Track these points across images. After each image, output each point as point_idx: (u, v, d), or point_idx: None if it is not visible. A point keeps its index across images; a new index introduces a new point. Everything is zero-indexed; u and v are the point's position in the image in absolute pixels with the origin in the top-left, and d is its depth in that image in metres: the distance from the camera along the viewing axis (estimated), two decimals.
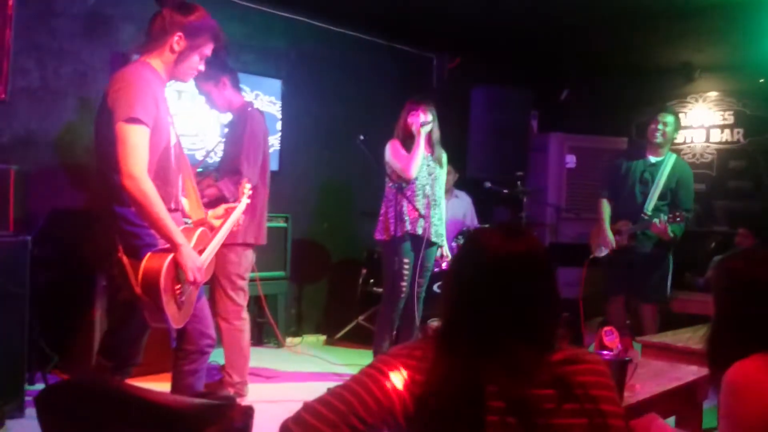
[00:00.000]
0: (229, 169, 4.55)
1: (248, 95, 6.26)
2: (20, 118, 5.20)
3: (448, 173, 7.16)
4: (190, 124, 5.95)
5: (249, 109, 4.72)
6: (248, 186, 3.99)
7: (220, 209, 3.73)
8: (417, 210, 5.18)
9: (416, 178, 5.23)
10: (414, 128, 5.21)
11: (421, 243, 5.24)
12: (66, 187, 5.35)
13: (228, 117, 4.86)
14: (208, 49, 3.30)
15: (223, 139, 4.88)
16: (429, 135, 5.30)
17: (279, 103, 6.64)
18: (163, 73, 3.22)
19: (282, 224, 6.35)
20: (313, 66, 7.16)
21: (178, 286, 3.07)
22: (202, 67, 3.34)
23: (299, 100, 6.93)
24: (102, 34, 5.56)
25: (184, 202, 3.42)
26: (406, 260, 5.23)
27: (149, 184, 2.97)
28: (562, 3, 6.31)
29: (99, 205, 3.19)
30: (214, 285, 4.64)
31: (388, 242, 5.27)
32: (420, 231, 5.20)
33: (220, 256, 4.58)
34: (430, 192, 5.28)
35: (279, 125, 6.65)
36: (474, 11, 6.66)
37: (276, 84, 6.64)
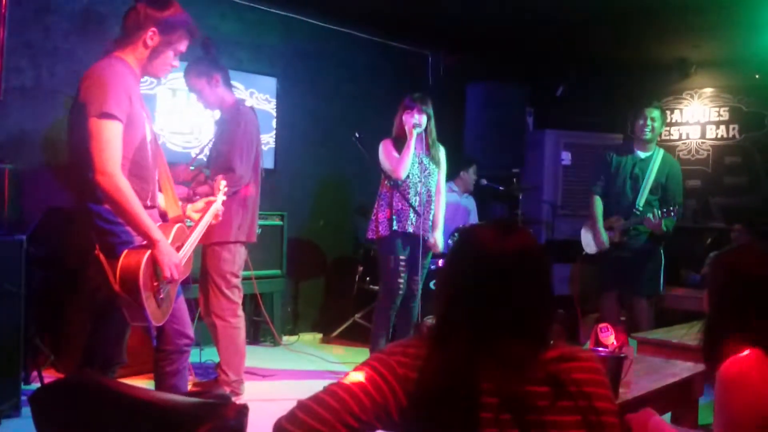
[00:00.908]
0: (222, 166, 4.55)
1: (243, 93, 6.26)
2: (14, 117, 5.19)
3: (474, 173, 7.22)
4: (184, 123, 5.95)
5: (241, 106, 4.72)
6: (224, 183, 3.97)
7: (200, 203, 3.70)
8: (411, 207, 5.19)
9: (409, 177, 5.24)
10: (406, 129, 5.21)
11: (416, 240, 5.25)
12: (60, 186, 5.34)
13: (218, 114, 4.85)
14: (182, 45, 3.25)
15: (213, 137, 4.87)
16: (425, 134, 5.31)
17: (274, 101, 6.63)
18: (137, 68, 3.18)
19: (278, 222, 6.34)
20: (309, 63, 7.15)
21: (157, 283, 3.04)
22: (176, 63, 3.28)
23: (294, 98, 6.93)
24: (96, 32, 5.54)
25: (160, 199, 3.37)
26: (402, 257, 5.24)
27: (123, 180, 2.94)
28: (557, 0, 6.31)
29: (74, 203, 3.15)
30: (209, 283, 4.63)
31: (382, 240, 5.29)
32: (411, 229, 5.21)
33: (213, 255, 4.59)
34: (423, 190, 5.29)
35: (274, 123, 6.65)
36: (469, 8, 6.65)
37: (271, 82, 6.63)
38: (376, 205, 5.38)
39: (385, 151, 5.32)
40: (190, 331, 3.38)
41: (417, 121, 5.21)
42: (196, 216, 3.59)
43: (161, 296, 3.08)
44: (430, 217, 5.35)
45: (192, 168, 4.76)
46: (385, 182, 5.33)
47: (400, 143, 5.27)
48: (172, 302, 3.21)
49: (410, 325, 5.41)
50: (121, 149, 2.97)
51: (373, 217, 5.37)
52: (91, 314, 3.33)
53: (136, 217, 2.96)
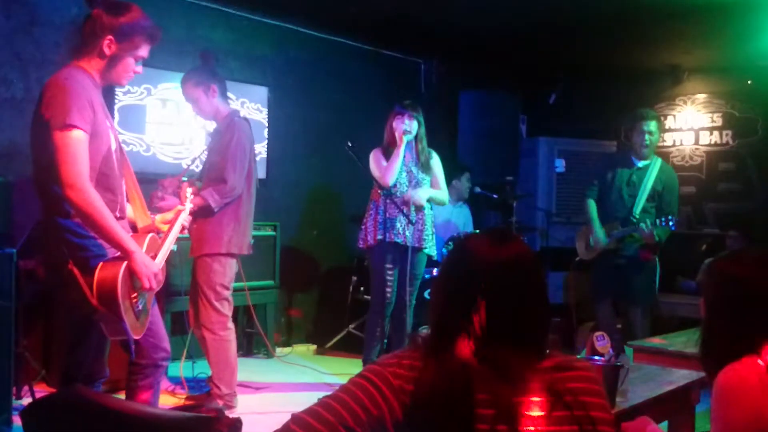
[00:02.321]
0: (215, 177, 4.53)
1: (234, 103, 6.23)
2: (4, 129, 5.17)
3: (467, 180, 7.21)
4: (174, 134, 5.92)
5: (235, 117, 4.70)
6: (190, 190, 3.94)
7: (169, 214, 3.66)
8: (403, 216, 5.17)
9: (397, 185, 5.22)
10: (396, 135, 5.20)
11: (407, 250, 5.22)
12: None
13: (211, 125, 4.83)
14: (143, 51, 3.16)
15: (206, 148, 4.85)
16: (415, 141, 5.30)
17: (265, 111, 6.62)
18: (97, 77, 3.11)
19: (270, 233, 6.32)
20: (300, 73, 7.14)
21: (134, 295, 2.99)
22: (139, 69, 3.20)
23: (286, 108, 6.91)
24: None
25: (129, 209, 3.32)
26: (389, 266, 5.23)
27: (93, 192, 2.88)
28: (550, 6, 6.31)
29: (41, 217, 3.09)
30: (199, 295, 4.60)
31: (371, 249, 5.29)
32: (399, 239, 5.19)
33: (203, 266, 4.55)
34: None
35: (266, 133, 6.63)
36: (461, 16, 6.65)
37: (262, 91, 6.62)
38: (366, 214, 5.37)
39: (374, 160, 5.32)
40: (167, 344, 3.31)
41: (407, 128, 5.20)
42: (164, 227, 3.52)
43: (139, 308, 3.03)
44: (423, 227, 5.32)
45: (184, 179, 4.73)
46: (377, 191, 5.31)
47: (390, 152, 5.26)
48: (149, 314, 3.16)
49: (404, 335, 5.38)
50: (87, 161, 2.91)
51: (363, 226, 5.37)
52: (69, 331, 3.26)
53: (109, 230, 2.90)
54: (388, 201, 5.19)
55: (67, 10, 5.45)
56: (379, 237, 5.20)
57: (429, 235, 5.39)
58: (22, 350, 4.49)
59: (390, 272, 5.25)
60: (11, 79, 5.19)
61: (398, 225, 5.19)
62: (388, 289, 5.24)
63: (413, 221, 5.21)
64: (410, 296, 5.35)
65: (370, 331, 5.40)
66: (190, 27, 6.14)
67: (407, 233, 5.20)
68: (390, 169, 5.18)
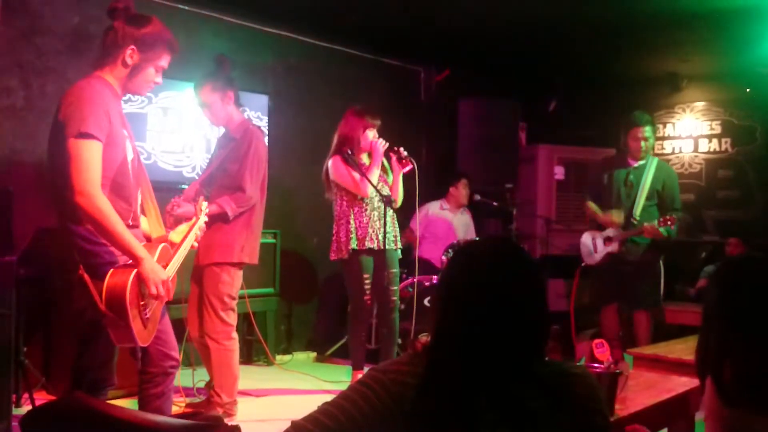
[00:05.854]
0: (230, 185, 4.52)
1: None
2: (5, 137, 5.17)
3: (464, 187, 7.21)
4: (175, 142, 5.93)
5: (250, 126, 4.73)
6: (205, 204, 3.94)
7: (184, 226, 3.67)
8: (368, 223, 5.19)
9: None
10: (377, 147, 5.25)
11: (379, 254, 5.25)
12: (51, 207, 5.30)
13: (218, 130, 4.82)
14: (164, 61, 3.25)
15: (209, 154, 4.85)
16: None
17: (266, 119, 6.62)
18: (118, 87, 3.17)
19: (271, 240, 6.32)
20: (300, 81, 7.15)
21: (143, 303, 3.00)
22: (159, 80, 3.28)
23: (286, 116, 6.92)
24: (86, 51, 5.52)
25: (143, 220, 3.34)
26: (366, 275, 5.26)
27: (103, 199, 2.92)
28: (549, 15, 6.32)
29: (56, 224, 3.12)
30: (204, 304, 4.58)
31: (344, 261, 5.30)
32: (369, 244, 5.21)
33: (212, 276, 4.53)
34: (378, 204, 5.27)
35: (266, 141, 6.62)
36: (461, 24, 6.67)
37: (263, 99, 6.62)
38: (335, 225, 5.38)
39: (341, 171, 5.30)
40: (176, 353, 3.33)
41: (381, 139, 5.28)
42: (177, 239, 3.53)
43: (147, 316, 3.04)
44: (392, 229, 5.32)
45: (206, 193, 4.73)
46: (344, 200, 5.32)
47: (350, 159, 5.26)
48: (157, 322, 3.17)
49: (393, 336, 5.38)
50: (100, 169, 2.95)
51: (334, 237, 5.37)
52: (77, 337, 3.28)
53: (118, 236, 2.93)
54: (354, 209, 5.25)
55: (68, 18, 5.46)
56: (355, 246, 5.22)
57: (398, 234, 5.42)
58: (22, 358, 4.49)
59: (367, 282, 5.29)
60: (12, 86, 5.20)
61: (369, 231, 5.22)
62: (366, 298, 5.30)
63: (381, 225, 5.22)
64: (394, 298, 5.38)
65: (353, 341, 5.48)
66: (191, 36, 6.14)
67: (379, 237, 5.22)
68: (371, 180, 5.18)
